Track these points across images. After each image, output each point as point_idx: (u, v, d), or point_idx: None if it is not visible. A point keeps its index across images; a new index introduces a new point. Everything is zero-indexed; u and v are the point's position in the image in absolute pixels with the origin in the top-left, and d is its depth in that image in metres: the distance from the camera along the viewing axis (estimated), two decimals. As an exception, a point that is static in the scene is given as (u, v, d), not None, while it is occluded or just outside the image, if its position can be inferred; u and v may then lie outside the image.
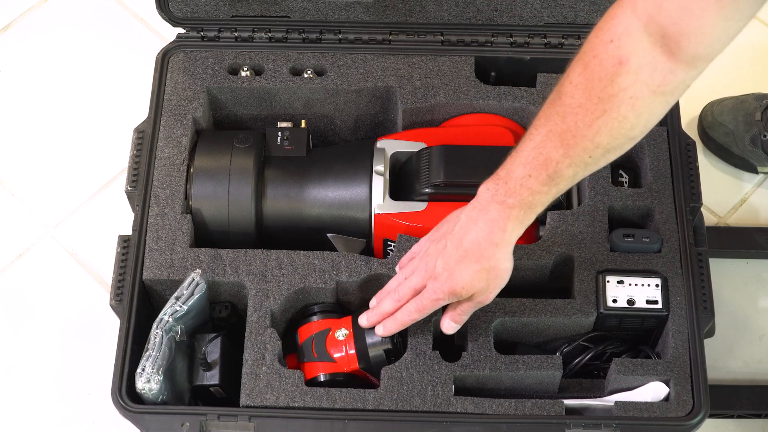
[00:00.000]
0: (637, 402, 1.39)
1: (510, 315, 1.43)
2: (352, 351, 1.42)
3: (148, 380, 1.36)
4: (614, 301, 1.44)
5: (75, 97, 2.00)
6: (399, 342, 1.45)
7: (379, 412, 1.38)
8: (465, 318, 1.37)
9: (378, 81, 1.61)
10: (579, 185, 1.56)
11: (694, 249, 1.47)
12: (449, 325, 1.38)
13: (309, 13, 1.63)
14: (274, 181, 1.53)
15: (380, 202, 1.50)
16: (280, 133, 1.57)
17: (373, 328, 1.41)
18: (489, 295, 1.34)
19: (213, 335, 1.45)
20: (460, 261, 1.30)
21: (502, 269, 1.31)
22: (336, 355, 1.43)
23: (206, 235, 1.53)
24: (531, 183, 1.24)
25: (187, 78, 1.60)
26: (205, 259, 1.47)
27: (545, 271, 1.49)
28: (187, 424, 1.36)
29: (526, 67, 1.63)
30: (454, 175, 1.48)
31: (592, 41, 1.17)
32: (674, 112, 1.57)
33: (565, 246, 1.48)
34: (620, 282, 1.45)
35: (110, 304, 1.45)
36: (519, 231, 1.29)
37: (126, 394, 1.38)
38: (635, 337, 1.48)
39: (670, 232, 1.48)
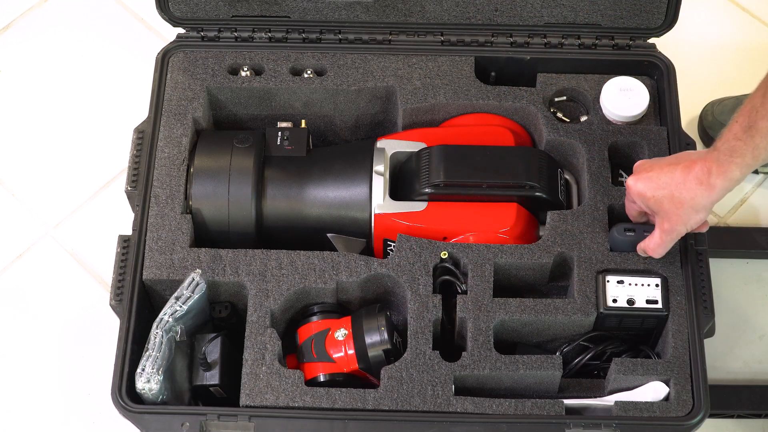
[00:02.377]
0: (637, 402, 1.39)
1: (510, 315, 1.43)
2: (352, 351, 1.42)
3: (148, 380, 1.36)
4: (614, 300, 1.44)
5: (75, 97, 1.99)
6: (399, 342, 1.45)
7: (379, 412, 1.38)
8: (659, 249, 1.41)
9: (378, 81, 1.61)
10: (579, 185, 1.56)
11: (694, 249, 1.47)
12: (641, 249, 1.45)
13: (309, 13, 1.62)
14: (274, 181, 1.53)
15: (380, 202, 1.50)
16: (280, 133, 1.57)
17: (371, 329, 1.42)
18: (673, 223, 1.36)
19: (213, 335, 1.45)
20: (660, 171, 1.36)
21: (691, 203, 1.33)
22: (335, 356, 1.43)
23: (206, 235, 1.53)
24: (734, 128, 1.28)
25: (187, 78, 1.60)
26: (205, 259, 1.47)
27: (545, 271, 1.49)
28: (187, 424, 1.36)
29: (526, 67, 1.63)
30: (454, 175, 1.48)
31: None
32: (674, 112, 1.57)
33: (565, 246, 1.48)
34: (620, 282, 1.45)
35: (110, 304, 1.45)
36: (722, 180, 1.30)
37: (126, 394, 1.38)
38: (635, 337, 1.48)
39: (670, 232, 1.48)
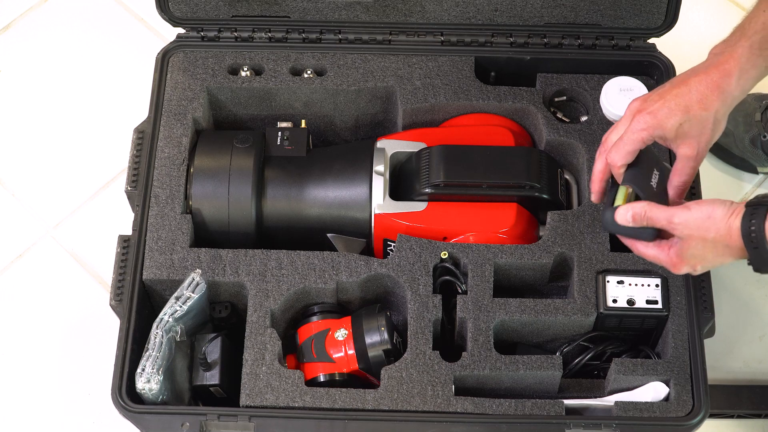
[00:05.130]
0: (637, 402, 1.39)
1: (510, 315, 1.43)
2: (352, 351, 1.42)
3: (148, 380, 1.36)
4: (614, 301, 1.44)
5: (75, 97, 1.99)
6: (399, 342, 1.45)
7: (379, 412, 1.38)
8: (685, 178, 1.31)
9: (378, 81, 1.61)
10: (579, 185, 1.56)
11: (694, 249, 1.47)
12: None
13: (309, 13, 1.63)
14: (274, 181, 1.53)
15: (380, 202, 1.50)
16: (280, 133, 1.57)
17: (371, 329, 1.42)
18: (689, 146, 1.28)
19: (213, 335, 1.45)
20: (665, 94, 1.29)
21: (702, 114, 1.27)
22: (335, 356, 1.43)
23: (206, 235, 1.53)
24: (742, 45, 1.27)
25: (187, 78, 1.60)
26: (205, 259, 1.47)
27: (545, 271, 1.49)
28: (187, 424, 1.36)
29: (526, 67, 1.63)
30: (454, 175, 1.48)
31: None
32: (674, 112, 1.57)
33: (565, 246, 1.48)
34: (620, 282, 1.45)
35: (110, 304, 1.45)
36: (731, 90, 1.27)
37: (126, 394, 1.38)
38: (635, 337, 1.48)
39: (670, 232, 1.48)
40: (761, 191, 1.90)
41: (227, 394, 1.44)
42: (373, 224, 1.50)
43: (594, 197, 1.37)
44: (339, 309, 1.49)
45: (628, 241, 1.33)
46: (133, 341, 1.41)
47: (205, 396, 1.46)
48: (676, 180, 1.32)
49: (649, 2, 1.59)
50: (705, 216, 1.23)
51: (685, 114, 1.27)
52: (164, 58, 1.62)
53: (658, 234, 1.31)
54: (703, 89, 1.28)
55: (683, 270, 1.29)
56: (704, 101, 1.27)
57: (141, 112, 1.60)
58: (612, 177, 1.34)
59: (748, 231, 1.19)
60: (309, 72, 1.61)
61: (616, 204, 1.31)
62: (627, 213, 1.29)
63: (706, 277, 1.46)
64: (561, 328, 1.46)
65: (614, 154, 1.31)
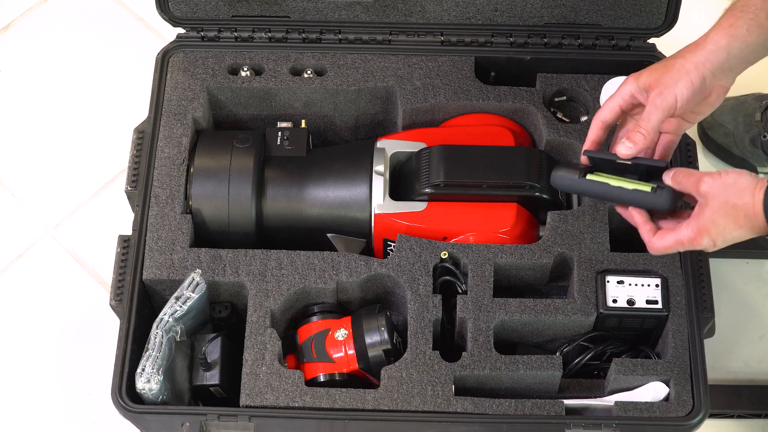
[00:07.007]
0: (637, 402, 1.39)
1: (510, 315, 1.44)
2: (352, 351, 1.42)
3: (148, 380, 1.36)
4: (614, 301, 1.44)
5: (75, 97, 1.99)
6: (399, 342, 1.45)
7: (378, 412, 1.38)
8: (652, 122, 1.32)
9: (378, 81, 1.61)
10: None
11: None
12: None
13: (309, 13, 1.63)
14: (274, 181, 1.53)
15: (380, 202, 1.50)
16: (280, 133, 1.57)
17: (371, 329, 1.42)
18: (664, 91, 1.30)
19: (213, 335, 1.45)
20: (657, 65, 1.33)
21: (695, 79, 1.30)
22: (335, 356, 1.43)
23: (206, 235, 1.53)
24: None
25: (187, 78, 1.60)
26: (205, 259, 1.47)
27: (545, 271, 1.49)
28: (187, 424, 1.36)
29: (526, 67, 1.63)
30: (454, 175, 1.48)
31: None
32: (674, 112, 1.57)
33: (565, 246, 1.48)
34: (620, 282, 1.45)
35: (110, 304, 1.45)
36: (722, 59, 1.32)
37: (126, 394, 1.38)
38: (635, 337, 1.48)
39: (670, 232, 1.48)
40: (761, 191, 1.89)
41: (227, 394, 1.45)
42: (373, 224, 1.50)
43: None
44: (339, 309, 1.49)
45: (644, 229, 1.33)
46: (133, 341, 1.42)
47: (205, 396, 1.46)
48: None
49: (649, 2, 1.59)
50: (731, 181, 1.25)
51: (667, 69, 1.31)
52: (164, 58, 1.62)
53: (675, 203, 1.32)
54: (696, 60, 1.31)
55: (703, 242, 1.29)
56: (698, 67, 1.31)
57: (141, 112, 1.60)
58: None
59: None
60: (309, 72, 1.61)
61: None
62: (670, 172, 1.31)
63: (706, 277, 1.46)
64: (561, 328, 1.46)
65: (603, 109, 1.34)
